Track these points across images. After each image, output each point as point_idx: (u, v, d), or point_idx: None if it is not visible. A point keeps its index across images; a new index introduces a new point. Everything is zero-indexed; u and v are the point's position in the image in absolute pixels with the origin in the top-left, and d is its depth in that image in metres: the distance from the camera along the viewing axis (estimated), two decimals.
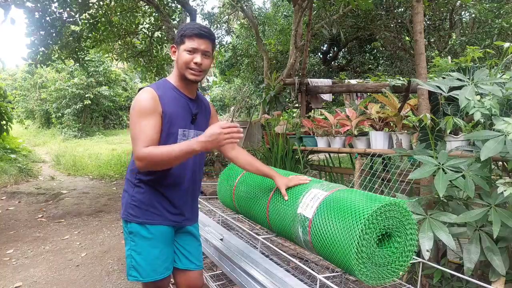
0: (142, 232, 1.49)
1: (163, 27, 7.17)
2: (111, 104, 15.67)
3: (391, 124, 2.79)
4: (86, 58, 7.36)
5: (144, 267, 1.48)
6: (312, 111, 5.38)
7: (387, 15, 7.88)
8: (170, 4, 7.86)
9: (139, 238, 1.49)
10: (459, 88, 1.65)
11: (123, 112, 16.98)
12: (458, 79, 1.69)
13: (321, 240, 1.44)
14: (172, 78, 1.54)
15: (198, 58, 1.43)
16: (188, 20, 7.61)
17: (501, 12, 6.79)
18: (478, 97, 1.55)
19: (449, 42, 7.78)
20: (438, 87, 1.67)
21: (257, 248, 1.90)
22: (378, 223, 1.31)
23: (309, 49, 6.55)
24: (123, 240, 3.70)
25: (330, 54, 11.15)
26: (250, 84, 11.95)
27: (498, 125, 1.44)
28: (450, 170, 1.65)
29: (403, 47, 8.18)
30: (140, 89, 1.49)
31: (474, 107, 1.51)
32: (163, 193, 1.50)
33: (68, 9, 5.93)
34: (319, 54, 11.19)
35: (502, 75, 1.89)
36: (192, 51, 1.43)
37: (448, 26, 7.78)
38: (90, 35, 6.97)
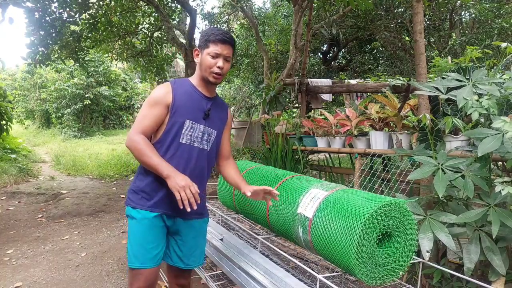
0: (133, 215, 1.55)
1: (163, 27, 7.17)
2: (111, 104, 15.64)
3: (391, 124, 2.80)
4: (86, 58, 7.35)
5: (130, 252, 1.54)
6: (312, 111, 5.38)
7: (387, 15, 7.87)
8: (170, 4, 7.85)
9: (130, 222, 1.57)
10: (459, 88, 1.65)
11: (123, 112, 16.96)
12: (456, 79, 1.69)
13: (321, 240, 1.44)
14: (193, 78, 1.65)
15: (220, 62, 1.54)
16: (188, 20, 7.60)
17: (501, 12, 6.78)
18: (476, 97, 1.56)
19: (449, 42, 7.77)
20: (437, 88, 1.68)
21: (257, 248, 1.90)
22: (378, 223, 1.31)
23: (309, 49, 6.56)
24: (123, 240, 3.71)
25: (330, 54, 11.13)
26: (250, 84, 11.93)
27: (495, 124, 1.44)
28: (450, 170, 1.65)
29: (403, 47, 8.17)
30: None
31: (472, 107, 1.51)
32: (162, 183, 1.51)
33: (68, 9, 5.92)
34: (319, 54, 11.17)
35: (502, 75, 1.89)
36: (215, 56, 1.53)
37: (448, 26, 7.78)
38: (90, 35, 6.96)
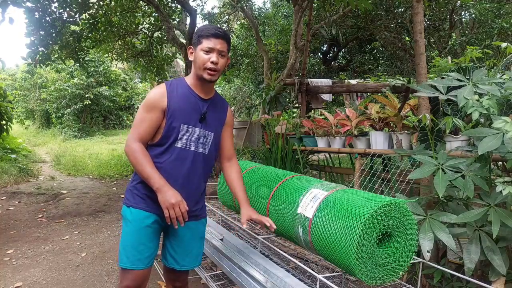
0: (126, 214, 1.55)
1: (163, 27, 7.16)
2: (111, 104, 15.64)
3: (391, 124, 2.80)
4: (86, 58, 7.35)
5: (121, 251, 1.53)
6: (312, 111, 5.39)
7: (387, 15, 7.87)
8: (170, 4, 7.85)
9: (124, 221, 1.57)
10: (458, 88, 1.65)
11: (123, 112, 16.96)
12: (457, 79, 1.69)
13: (321, 240, 1.44)
14: (188, 77, 1.61)
15: (214, 57, 1.50)
16: (188, 20, 7.60)
17: (501, 12, 6.78)
18: (477, 97, 1.56)
19: (449, 42, 7.77)
20: (436, 88, 1.67)
21: (257, 248, 1.90)
22: (378, 223, 1.31)
23: (309, 49, 6.55)
24: None
25: (330, 54, 11.13)
26: (250, 84, 11.92)
27: (496, 124, 1.44)
28: (450, 170, 1.65)
29: (403, 47, 8.17)
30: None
31: (473, 106, 1.51)
32: None
33: (68, 9, 5.92)
34: (319, 54, 11.17)
35: (502, 75, 1.89)
36: (209, 50, 1.51)
37: (448, 26, 7.78)
38: (90, 35, 6.96)
